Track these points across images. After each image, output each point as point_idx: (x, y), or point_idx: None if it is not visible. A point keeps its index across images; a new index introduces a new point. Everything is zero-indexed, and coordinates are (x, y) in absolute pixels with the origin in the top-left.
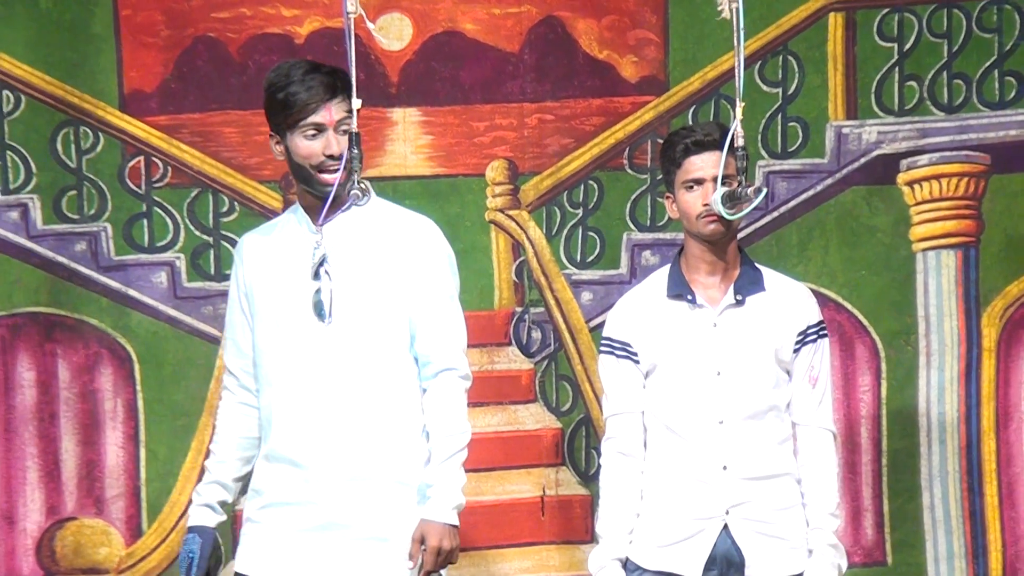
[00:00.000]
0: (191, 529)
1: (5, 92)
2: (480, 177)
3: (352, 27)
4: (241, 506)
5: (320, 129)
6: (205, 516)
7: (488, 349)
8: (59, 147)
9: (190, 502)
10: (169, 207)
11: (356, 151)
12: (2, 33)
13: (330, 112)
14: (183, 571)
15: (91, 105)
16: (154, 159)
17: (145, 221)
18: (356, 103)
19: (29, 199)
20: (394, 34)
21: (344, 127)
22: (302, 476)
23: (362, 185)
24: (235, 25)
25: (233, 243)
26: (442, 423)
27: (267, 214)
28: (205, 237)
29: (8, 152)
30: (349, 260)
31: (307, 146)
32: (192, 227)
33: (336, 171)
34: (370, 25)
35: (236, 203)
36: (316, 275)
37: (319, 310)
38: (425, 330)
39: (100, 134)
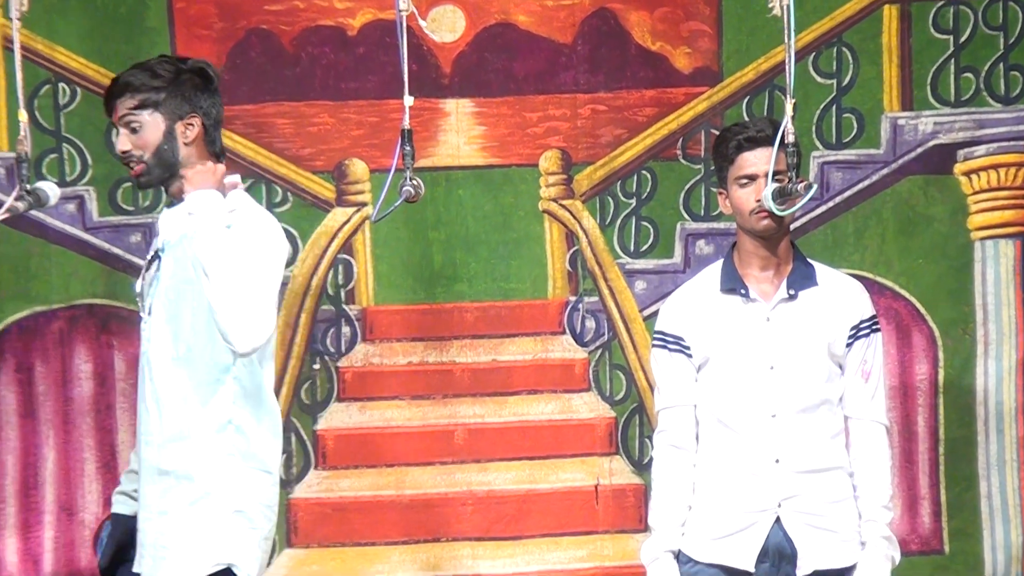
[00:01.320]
0: (111, 516)
1: (61, 85)
2: (533, 167)
3: (404, 24)
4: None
5: (116, 128)
6: (120, 504)
7: (542, 338)
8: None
9: None
10: None
11: (408, 147)
12: (57, 26)
13: (116, 111)
14: (97, 556)
15: None
16: None
17: None
18: (408, 100)
19: (85, 191)
20: (447, 26)
21: (130, 123)
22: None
23: (415, 182)
24: (288, 17)
25: (287, 234)
26: None
27: (321, 204)
28: None
29: (64, 144)
30: (170, 252)
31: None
32: None
33: (133, 166)
34: (422, 23)
35: (289, 193)
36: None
37: (141, 304)
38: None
39: None
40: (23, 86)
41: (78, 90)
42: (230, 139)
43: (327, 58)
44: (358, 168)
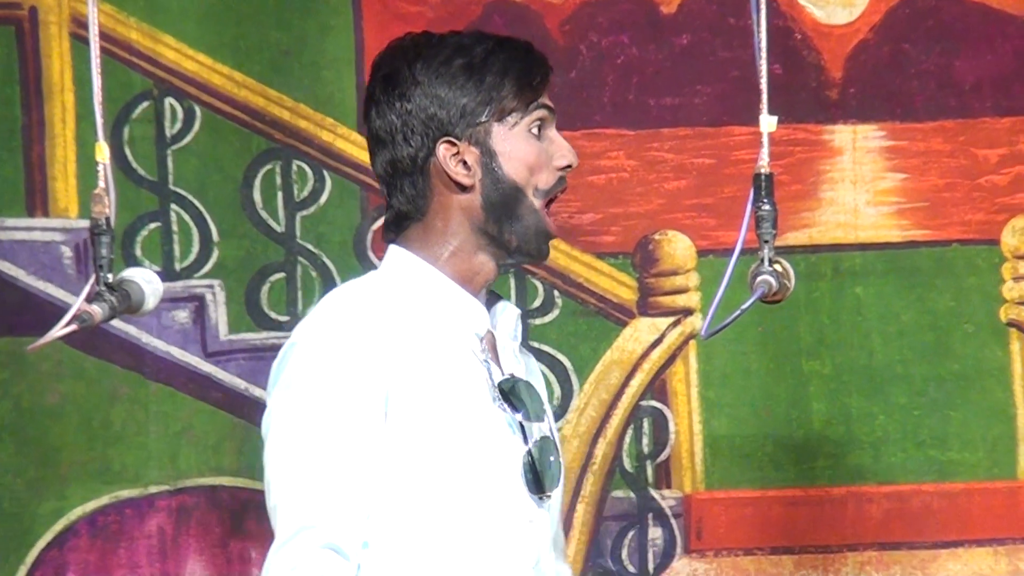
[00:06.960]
0: None
1: (168, 101)
2: (992, 246)
3: None
4: None
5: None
6: None
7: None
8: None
9: None
10: None
11: (766, 206)
12: (165, 1)
13: (546, 97)
14: None
15: None
16: None
17: None
18: (767, 123)
19: (207, 287)
20: None
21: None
22: None
23: (778, 268)
24: None
25: None
26: None
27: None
28: None
29: (172, 206)
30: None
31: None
32: None
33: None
34: None
35: None
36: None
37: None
38: None
39: None
40: (102, 102)
41: (196, 110)
42: None
43: (624, 53)
44: (678, 246)
